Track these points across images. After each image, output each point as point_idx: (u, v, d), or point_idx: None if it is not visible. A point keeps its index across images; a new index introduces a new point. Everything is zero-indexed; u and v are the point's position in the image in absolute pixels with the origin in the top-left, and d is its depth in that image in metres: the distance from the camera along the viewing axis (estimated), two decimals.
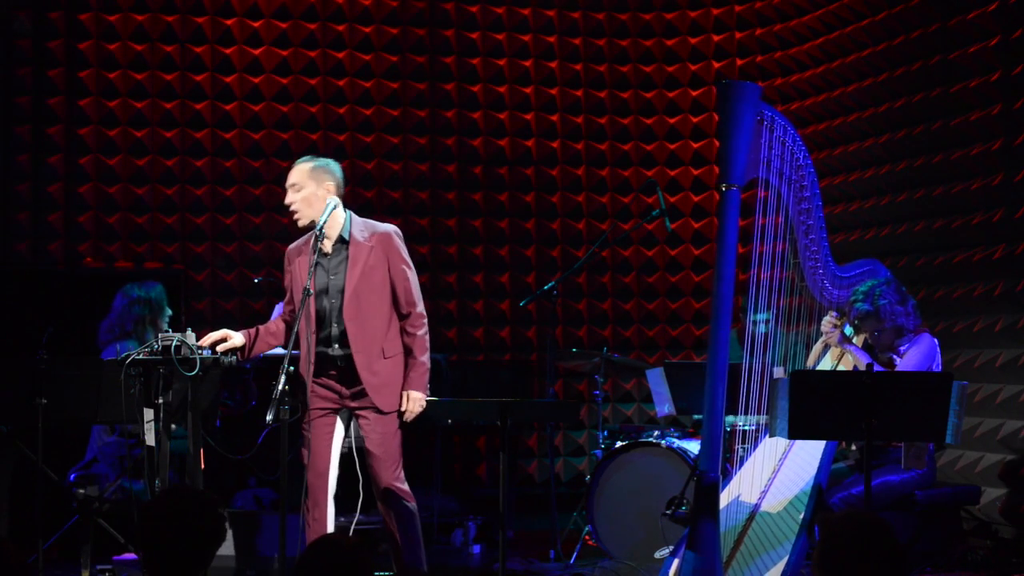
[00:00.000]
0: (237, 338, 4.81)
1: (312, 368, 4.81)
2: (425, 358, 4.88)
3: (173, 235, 7.76)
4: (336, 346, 4.81)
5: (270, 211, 7.89)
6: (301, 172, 4.89)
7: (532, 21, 8.42)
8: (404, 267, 4.89)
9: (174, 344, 4.61)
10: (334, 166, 4.95)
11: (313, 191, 4.85)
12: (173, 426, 4.78)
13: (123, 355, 4.75)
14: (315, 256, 4.78)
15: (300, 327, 4.76)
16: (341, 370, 4.82)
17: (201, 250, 7.79)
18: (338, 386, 4.83)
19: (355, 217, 4.93)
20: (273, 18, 7.97)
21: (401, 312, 4.88)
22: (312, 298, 4.77)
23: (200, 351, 4.67)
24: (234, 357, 4.81)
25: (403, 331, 4.88)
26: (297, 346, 4.68)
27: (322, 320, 4.83)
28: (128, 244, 7.67)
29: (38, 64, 7.57)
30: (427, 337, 4.91)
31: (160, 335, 4.73)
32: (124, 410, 4.64)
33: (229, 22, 7.89)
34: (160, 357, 4.64)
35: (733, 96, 4.55)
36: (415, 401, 4.83)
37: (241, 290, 7.83)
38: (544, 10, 8.43)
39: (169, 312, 6.05)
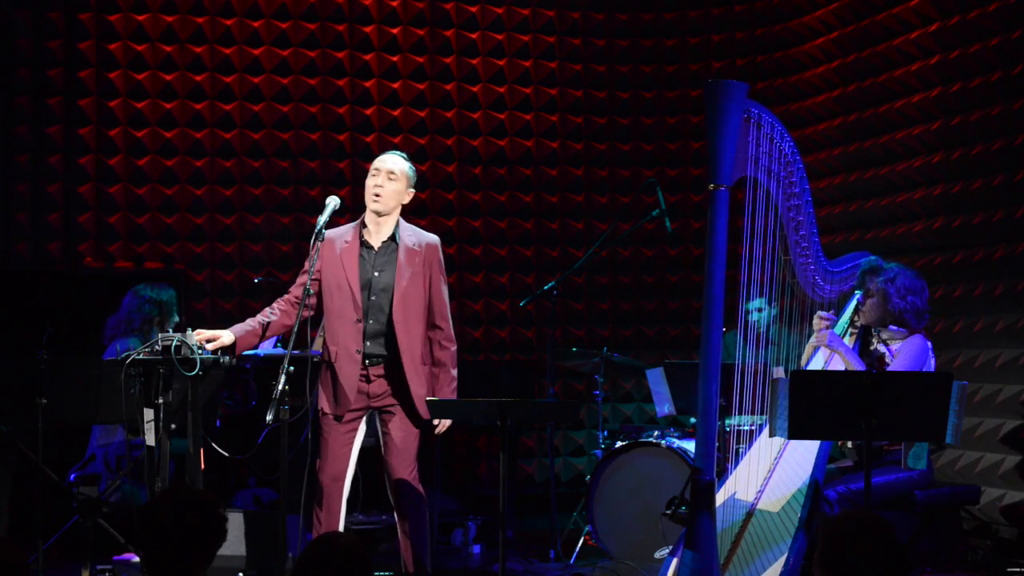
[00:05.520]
0: (226, 337, 4.83)
1: (340, 362, 4.83)
2: (455, 372, 4.99)
3: (173, 235, 7.75)
4: (369, 343, 4.85)
5: (270, 211, 7.89)
6: (403, 167, 5.00)
7: (532, 21, 8.42)
8: (443, 278, 5.01)
9: (174, 344, 4.61)
10: None
11: (403, 189, 4.97)
12: (173, 426, 4.78)
13: (123, 355, 4.75)
14: (315, 254, 4.81)
15: (329, 320, 4.86)
16: (373, 369, 4.85)
17: (201, 250, 7.79)
18: (366, 386, 4.86)
19: (403, 221, 5.01)
20: (273, 18, 7.97)
21: (434, 323, 4.96)
22: (354, 289, 4.84)
23: (200, 351, 4.68)
24: (229, 358, 4.82)
25: (436, 343, 4.97)
26: (298, 346, 4.67)
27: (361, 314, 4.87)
28: (128, 244, 7.67)
29: (38, 64, 7.56)
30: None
31: (161, 335, 4.73)
32: (124, 410, 4.65)
33: (229, 22, 7.88)
34: (160, 357, 4.65)
35: (719, 95, 4.50)
36: None
37: (241, 290, 7.82)
38: (544, 10, 8.43)
39: (176, 319, 6.07)
